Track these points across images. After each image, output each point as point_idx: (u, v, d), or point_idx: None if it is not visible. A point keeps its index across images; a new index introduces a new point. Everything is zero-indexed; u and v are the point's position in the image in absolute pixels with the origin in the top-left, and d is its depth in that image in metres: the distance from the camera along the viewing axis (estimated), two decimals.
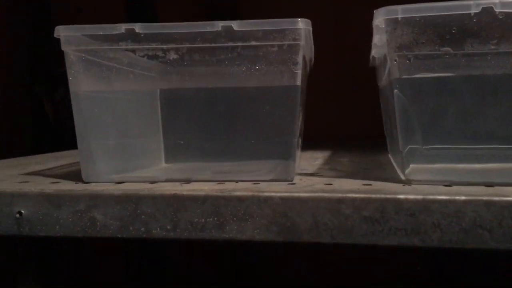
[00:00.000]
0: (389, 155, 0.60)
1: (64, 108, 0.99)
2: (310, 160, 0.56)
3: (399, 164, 0.43)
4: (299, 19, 0.36)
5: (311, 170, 0.47)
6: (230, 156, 0.47)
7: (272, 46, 0.37)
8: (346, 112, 0.91)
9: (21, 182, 0.40)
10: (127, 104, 0.47)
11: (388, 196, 0.31)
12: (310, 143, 0.61)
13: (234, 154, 0.46)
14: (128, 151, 0.47)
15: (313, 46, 0.45)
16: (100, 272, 1.00)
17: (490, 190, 0.32)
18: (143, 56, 0.39)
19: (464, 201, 0.30)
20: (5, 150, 0.95)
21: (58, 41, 1.04)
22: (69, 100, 1.05)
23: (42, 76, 1.00)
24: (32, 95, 0.99)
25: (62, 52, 1.04)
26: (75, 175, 0.44)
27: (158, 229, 0.33)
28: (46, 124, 0.99)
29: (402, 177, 0.39)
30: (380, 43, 0.43)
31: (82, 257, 1.00)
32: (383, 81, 0.49)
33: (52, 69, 1.00)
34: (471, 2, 0.32)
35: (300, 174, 0.43)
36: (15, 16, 0.99)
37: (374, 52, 0.52)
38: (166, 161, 0.52)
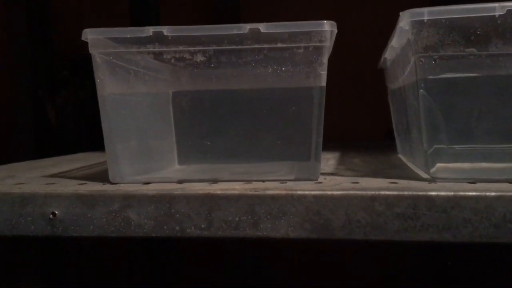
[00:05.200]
0: (399, 156, 0.61)
1: (66, 111, 0.99)
2: (323, 161, 0.57)
3: (419, 164, 0.44)
4: (325, 21, 0.37)
5: (329, 170, 0.48)
6: (245, 158, 0.47)
7: (298, 48, 0.38)
8: (347, 113, 0.92)
9: (48, 184, 0.40)
10: (145, 106, 0.47)
11: (420, 193, 0.32)
12: None
13: (250, 155, 0.47)
14: (147, 153, 0.47)
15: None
16: (103, 277, 1.00)
17: None
18: (170, 59, 0.39)
19: (494, 197, 0.31)
20: (7, 153, 0.95)
21: (59, 44, 1.03)
22: (71, 104, 1.04)
23: (45, 80, 1.00)
24: (34, 99, 0.99)
25: (64, 55, 1.04)
26: (98, 177, 0.44)
27: (193, 228, 0.34)
28: (48, 128, 0.99)
29: (424, 176, 0.40)
30: (398, 45, 0.45)
31: (85, 261, 1.00)
32: (398, 82, 0.50)
33: (54, 72, 1.00)
34: (496, 5, 0.33)
35: (322, 174, 0.43)
36: (16, 21, 0.99)
37: (387, 54, 0.53)
38: (179, 163, 0.52)
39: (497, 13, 0.33)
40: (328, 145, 0.78)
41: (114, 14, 1.00)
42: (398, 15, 0.37)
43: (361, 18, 0.91)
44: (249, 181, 0.39)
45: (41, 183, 0.41)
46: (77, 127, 1.00)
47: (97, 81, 0.40)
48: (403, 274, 0.89)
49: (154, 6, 0.95)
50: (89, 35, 0.39)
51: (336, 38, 0.39)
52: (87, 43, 0.39)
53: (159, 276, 0.98)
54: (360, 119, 0.93)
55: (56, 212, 0.35)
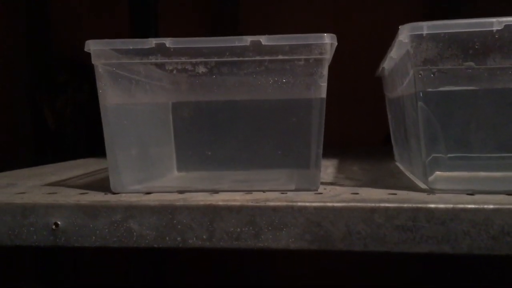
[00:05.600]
0: (397, 163, 0.62)
1: (65, 115, 0.99)
2: (322, 169, 0.57)
3: (417, 173, 0.44)
4: (325, 34, 0.38)
5: (328, 179, 0.48)
6: (245, 166, 0.47)
7: (299, 60, 0.38)
8: (345, 119, 0.92)
9: (49, 193, 0.40)
10: (146, 116, 0.48)
11: (419, 205, 0.32)
12: None
13: (250, 165, 0.47)
14: (148, 161, 0.48)
15: None
16: (100, 280, 1.00)
17: None
18: (172, 70, 0.40)
19: (493, 210, 0.31)
20: (6, 156, 0.95)
21: (59, 46, 1.03)
22: (70, 107, 1.04)
23: (44, 84, 1.00)
24: (33, 103, 0.99)
25: (63, 58, 1.04)
26: (98, 186, 0.45)
27: (194, 238, 0.34)
28: (46, 131, 0.99)
29: (422, 186, 0.41)
30: (397, 56, 0.45)
31: (82, 265, 1.00)
32: (397, 92, 0.51)
33: (53, 76, 1.00)
34: (494, 20, 0.34)
35: (321, 183, 0.44)
36: (15, 23, 0.99)
37: (385, 64, 0.54)
38: (178, 170, 0.52)
39: (495, 28, 0.34)
40: (327, 151, 0.79)
41: (113, 14, 1.00)
42: (397, 23, 0.38)
43: (361, 24, 0.92)
44: (249, 192, 0.39)
45: (42, 192, 0.41)
46: (76, 130, 1.00)
47: (100, 91, 0.40)
48: (403, 281, 0.90)
49: (153, 5, 0.96)
50: (92, 46, 0.39)
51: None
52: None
53: (158, 282, 0.98)
54: (358, 125, 0.94)
55: (59, 223, 0.35)
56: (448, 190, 0.37)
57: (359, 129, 0.94)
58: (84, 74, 0.95)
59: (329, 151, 0.79)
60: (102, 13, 1.01)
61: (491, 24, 0.34)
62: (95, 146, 0.70)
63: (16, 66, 1.00)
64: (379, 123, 0.75)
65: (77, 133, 0.99)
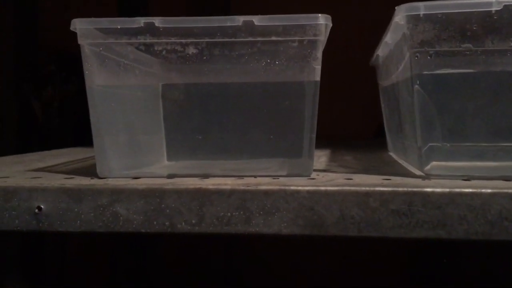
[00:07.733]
0: (390, 153, 0.61)
1: (52, 106, 0.97)
2: (314, 158, 0.57)
3: (412, 162, 0.44)
4: (319, 15, 0.37)
5: (321, 167, 0.47)
6: (236, 154, 0.46)
7: (293, 41, 0.37)
8: (335, 111, 0.91)
9: (34, 177, 0.39)
10: (134, 99, 0.47)
11: (415, 189, 0.31)
12: None
13: (241, 151, 0.46)
14: (136, 148, 0.46)
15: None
16: (86, 273, 0.99)
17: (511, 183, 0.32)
18: (161, 51, 0.38)
19: (490, 194, 0.30)
20: None
21: (46, 38, 1.01)
22: (57, 99, 1.02)
23: (30, 75, 0.98)
24: (19, 94, 0.97)
25: (49, 50, 1.02)
26: (85, 171, 0.43)
27: (183, 223, 0.33)
28: (33, 123, 0.97)
29: (417, 172, 0.40)
30: (392, 40, 0.44)
31: (68, 257, 0.98)
32: (391, 79, 0.50)
33: (40, 66, 0.98)
34: (493, 0, 0.33)
35: (314, 170, 0.43)
36: (2, 12, 0.97)
37: (380, 51, 0.53)
38: (168, 159, 0.51)
39: (493, 9, 0.33)
40: (318, 142, 0.78)
41: (101, 1, 0.98)
42: (389, 12, 0.37)
43: (353, 14, 0.90)
44: (241, 177, 0.38)
45: (26, 177, 0.39)
46: (63, 122, 0.98)
47: (86, 72, 0.39)
48: (395, 271, 0.89)
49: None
50: (78, 25, 0.38)
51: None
52: (74, 37, 0.38)
53: (142, 275, 0.96)
54: (350, 117, 0.93)
55: (42, 206, 0.34)
56: (444, 176, 0.36)
57: (350, 121, 0.93)
58: (71, 65, 0.93)
59: (320, 142, 0.78)
60: (91, 2, 0.99)
61: (490, 4, 0.33)
62: (82, 138, 0.69)
63: (2, 56, 0.98)
64: (370, 116, 0.75)
65: (64, 124, 0.98)
